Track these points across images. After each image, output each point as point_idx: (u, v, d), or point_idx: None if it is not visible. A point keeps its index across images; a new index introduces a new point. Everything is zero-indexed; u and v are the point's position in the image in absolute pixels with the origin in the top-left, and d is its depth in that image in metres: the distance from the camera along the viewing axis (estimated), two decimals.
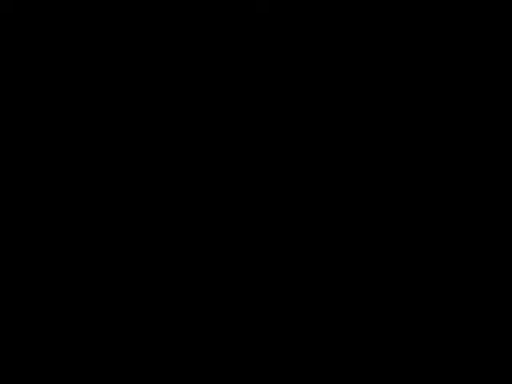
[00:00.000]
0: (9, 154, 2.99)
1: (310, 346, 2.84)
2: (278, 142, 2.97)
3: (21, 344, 2.85)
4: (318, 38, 2.95)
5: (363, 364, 2.81)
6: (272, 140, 2.97)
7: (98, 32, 3.01)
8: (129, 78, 2.99)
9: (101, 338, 2.85)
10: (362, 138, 2.94)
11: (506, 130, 2.89)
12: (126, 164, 2.98)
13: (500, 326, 2.81)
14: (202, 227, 2.95)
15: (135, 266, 2.91)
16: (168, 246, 2.92)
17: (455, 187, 2.93)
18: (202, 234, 2.94)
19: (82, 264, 2.91)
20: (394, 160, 2.94)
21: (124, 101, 3.00)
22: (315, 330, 2.84)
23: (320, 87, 2.95)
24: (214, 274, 2.90)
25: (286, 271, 2.90)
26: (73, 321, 2.87)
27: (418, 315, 2.84)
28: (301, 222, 2.95)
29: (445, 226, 2.92)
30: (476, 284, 2.86)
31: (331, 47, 2.95)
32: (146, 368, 2.84)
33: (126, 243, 2.92)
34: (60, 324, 2.87)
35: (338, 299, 2.87)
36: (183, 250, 2.92)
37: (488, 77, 2.92)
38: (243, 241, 2.93)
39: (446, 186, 2.94)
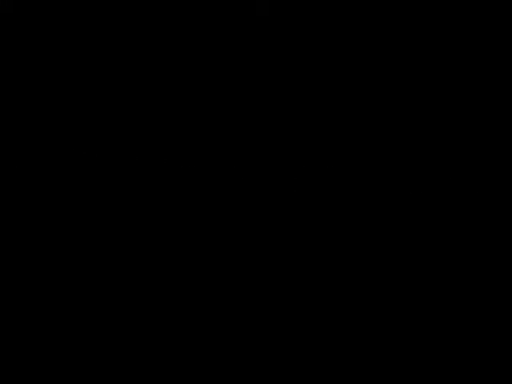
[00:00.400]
0: (9, 153, 2.98)
1: (310, 345, 2.84)
2: (277, 143, 2.97)
3: (21, 344, 2.85)
4: (318, 40, 2.96)
5: (363, 364, 2.81)
6: (271, 140, 2.97)
7: (98, 32, 3.01)
8: (129, 79, 2.99)
9: (101, 338, 2.85)
10: (360, 139, 2.94)
11: (506, 129, 2.89)
12: (125, 164, 2.98)
13: (500, 325, 2.81)
14: (201, 227, 2.95)
15: (135, 267, 2.91)
16: (167, 246, 2.92)
17: (454, 187, 2.93)
18: (201, 234, 2.94)
19: (81, 264, 2.91)
20: (393, 160, 2.94)
21: (124, 101, 3.00)
22: (315, 330, 2.84)
23: (319, 89, 2.95)
24: (213, 274, 2.90)
25: (286, 271, 2.90)
26: (72, 322, 2.86)
27: (418, 315, 2.84)
28: (300, 222, 2.95)
29: (444, 225, 2.92)
30: (476, 284, 2.86)
31: (330, 50, 2.95)
32: (145, 368, 2.84)
33: (125, 244, 2.92)
34: (60, 324, 2.86)
35: (337, 298, 2.87)
36: (183, 250, 2.92)
37: (488, 77, 2.92)
38: (242, 241, 2.93)
39: (446, 186, 2.94)
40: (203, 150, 2.99)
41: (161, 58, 2.99)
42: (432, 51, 2.93)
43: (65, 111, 3.01)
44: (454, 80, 2.93)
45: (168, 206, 2.95)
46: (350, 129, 2.94)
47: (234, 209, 2.96)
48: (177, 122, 2.98)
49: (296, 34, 2.95)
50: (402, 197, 2.94)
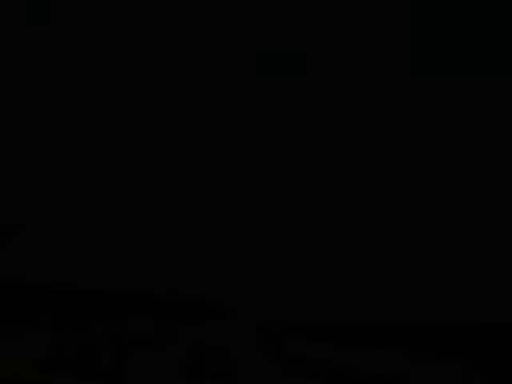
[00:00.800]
0: (8, 154, 2.99)
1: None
2: (276, 141, 2.97)
3: None
4: (317, 39, 2.96)
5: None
6: (271, 139, 2.98)
7: (99, 32, 3.01)
8: (129, 78, 3.00)
9: None
10: (362, 139, 2.95)
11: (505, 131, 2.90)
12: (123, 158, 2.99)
13: None
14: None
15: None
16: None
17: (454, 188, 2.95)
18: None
19: None
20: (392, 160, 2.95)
21: (124, 100, 3.01)
22: None
23: (319, 88, 2.96)
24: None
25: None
26: None
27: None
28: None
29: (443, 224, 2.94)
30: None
31: (330, 48, 2.96)
32: None
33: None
34: None
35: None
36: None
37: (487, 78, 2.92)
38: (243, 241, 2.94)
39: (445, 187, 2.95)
40: (201, 148, 2.99)
41: (160, 54, 2.99)
42: (431, 52, 2.94)
43: (65, 109, 3.02)
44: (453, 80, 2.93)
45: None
46: (351, 127, 2.95)
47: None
48: (175, 118, 2.99)
49: (296, 32, 2.96)
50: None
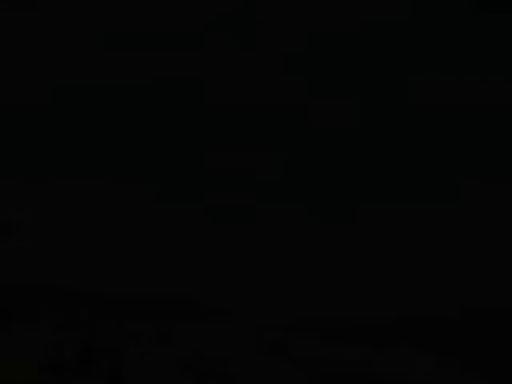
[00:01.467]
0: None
1: None
2: (277, 139, 2.99)
3: None
4: (317, 37, 2.98)
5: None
6: (272, 137, 2.99)
7: (99, 32, 3.03)
8: (129, 76, 3.02)
9: None
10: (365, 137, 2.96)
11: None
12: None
13: None
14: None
15: None
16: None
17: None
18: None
19: None
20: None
21: (125, 97, 3.02)
22: None
23: (320, 87, 2.98)
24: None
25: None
26: None
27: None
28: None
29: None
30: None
31: (330, 47, 2.97)
32: None
33: None
34: None
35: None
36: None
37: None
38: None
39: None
40: (200, 145, 3.01)
41: (160, 52, 3.01)
42: (431, 53, 2.95)
43: (65, 110, 3.04)
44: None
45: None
46: (355, 126, 2.96)
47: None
48: (174, 116, 3.00)
49: (296, 31, 2.98)
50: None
